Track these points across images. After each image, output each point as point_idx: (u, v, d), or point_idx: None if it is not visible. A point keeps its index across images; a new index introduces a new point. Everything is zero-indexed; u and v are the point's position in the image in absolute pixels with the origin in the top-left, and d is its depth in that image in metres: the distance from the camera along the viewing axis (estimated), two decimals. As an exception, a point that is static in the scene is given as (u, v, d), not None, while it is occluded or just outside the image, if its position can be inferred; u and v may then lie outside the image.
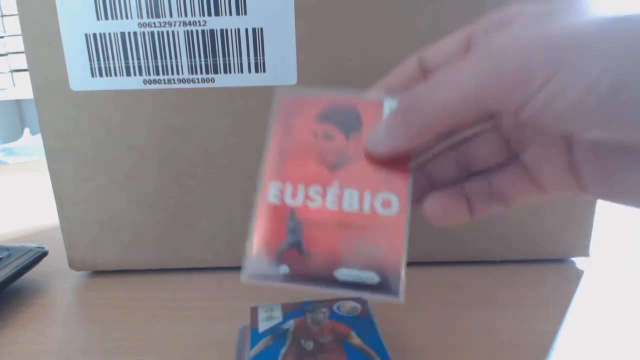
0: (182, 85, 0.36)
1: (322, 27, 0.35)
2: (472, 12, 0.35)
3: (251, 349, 0.26)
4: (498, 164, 0.26)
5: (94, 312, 0.36)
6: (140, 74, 0.36)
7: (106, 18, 0.35)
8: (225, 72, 0.36)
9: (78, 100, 0.37)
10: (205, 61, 0.36)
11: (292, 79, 0.36)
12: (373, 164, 0.25)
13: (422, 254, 0.40)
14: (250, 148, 0.38)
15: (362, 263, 0.23)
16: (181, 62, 0.36)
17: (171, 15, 0.35)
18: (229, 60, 0.36)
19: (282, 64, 0.36)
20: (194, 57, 0.35)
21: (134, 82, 0.36)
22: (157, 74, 0.36)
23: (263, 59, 0.36)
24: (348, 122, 0.26)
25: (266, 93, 0.36)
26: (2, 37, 1.72)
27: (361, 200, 0.24)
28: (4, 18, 1.71)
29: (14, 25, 1.68)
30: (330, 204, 0.24)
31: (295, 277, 0.23)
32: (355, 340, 0.26)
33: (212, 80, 0.36)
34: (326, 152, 0.25)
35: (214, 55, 0.35)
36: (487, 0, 0.35)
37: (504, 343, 0.31)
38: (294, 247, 0.24)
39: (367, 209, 0.24)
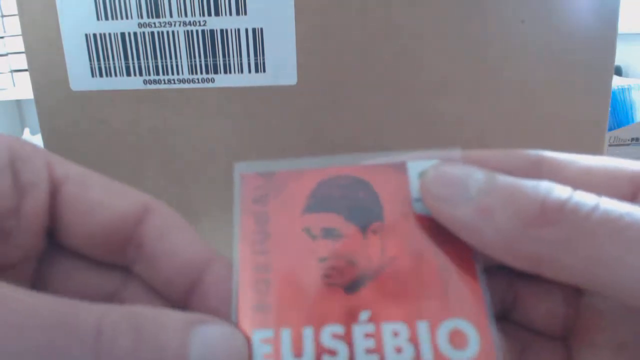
0: (182, 85, 0.36)
1: (322, 27, 0.35)
2: (473, 11, 0.35)
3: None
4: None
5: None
6: (141, 74, 0.36)
7: (106, 18, 0.35)
8: (225, 72, 0.36)
9: (78, 100, 0.37)
10: (205, 61, 0.36)
11: (292, 79, 0.36)
12: (419, 272, 0.15)
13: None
14: (251, 148, 0.38)
15: None
16: (181, 62, 0.36)
17: (171, 16, 0.35)
18: (229, 60, 0.36)
19: (282, 64, 0.36)
20: (194, 57, 0.36)
21: (134, 82, 0.36)
22: (157, 74, 0.36)
23: (263, 59, 0.36)
24: (360, 206, 0.16)
25: (266, 93, 0.36)
26: (2, 37, 1.72)
27: (414, 338, 0.14)
28: (4, 18, 1.71)
29: (14, 25, 1.68)
30: (364, 355, 0.14)
31: None
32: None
33: (212, 80, 0.36)
34: (336, 262, 0.15)
35: (214, 55, 0.35)
36: (487, 2, 0.35)
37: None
38: None
39: (429, 355, 0.14)
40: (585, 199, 0.13)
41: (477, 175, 0.15)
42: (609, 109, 0.37)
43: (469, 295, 0.14)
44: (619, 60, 0.42)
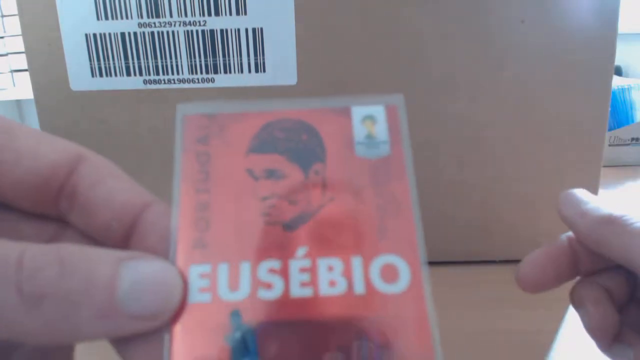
0: (182, 85, 0.36)
1: (322, 27, 0.35)
2: (473, 11, 0.35)
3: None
4: None
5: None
6: (141, 74, 0.36)
7: (106, 18, 0.35)
8: (225, 72, 0.36)
9: (78, 100, 0.37)
10: (205, 61, 0.36)
11: (292, 79, 0.36)
12: (357, 211, 0.16)
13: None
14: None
15: None
16: (181, 62, 0.36)
17: (171, 15, 0.35)
18: (229, 60, 0.36)
19: (282, 64, 0.36)
20: (194, 57, 0.35)
21: (134, 82, 0.36)
22: (157, 74, 0.36)
23: (263, 59, 0.35)
24: (303, 148, 0.17)
25: (266, 93, 0.36)
26: (2, 37, 1.72)
27: (348, 273, 0.15)
28: (4, 18, 1.71)
29: (14, 25, 1.68)
30: (298, 288, 0.15)
31: None
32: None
33: (212, 80, 0.36)
34: (277, 202, 0.16)
35: (214, 55, 0.35)
36: (487, 2, 0.35)
37: (503, 343, 0.31)
38: None
39: (361, 288, 0.15)
40: (631, 217, 0.21)
41: (583, 198, 0.24)
42: (609, 108, 0.37)
43: (403, 233, 0.15)
44: (619, 60, 0.42)
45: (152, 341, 0.15)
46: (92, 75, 0.36)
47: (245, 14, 0.35)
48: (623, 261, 0.21)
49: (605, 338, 0.23)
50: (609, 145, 0.63)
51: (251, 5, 0.35)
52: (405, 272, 0.15)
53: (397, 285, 0.15)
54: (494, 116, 0.37)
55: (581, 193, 0.24)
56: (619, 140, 0.63)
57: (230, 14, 0.35)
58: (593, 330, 0.23)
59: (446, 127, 0.37)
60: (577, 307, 0.25)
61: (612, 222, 0.21)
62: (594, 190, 0.38)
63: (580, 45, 0.35)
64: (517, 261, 0.40)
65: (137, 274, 0.15)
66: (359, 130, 0.17)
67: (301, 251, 0.15)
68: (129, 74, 0.36)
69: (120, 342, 0.16)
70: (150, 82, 0.36)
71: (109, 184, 0.18)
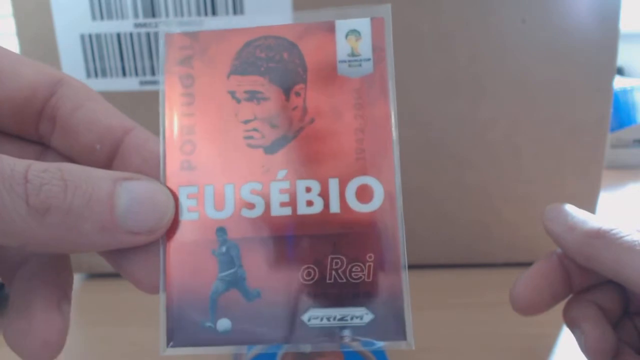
0: (178, 86, 0.36)
1: (320, 27, 0.35)
2: (473, 11, 0.34)
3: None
4: None
5: (90, 315, 0.36)
6: (137, 74, 0.36)
7: (102, 18, 0.34)
8: (222, 72, 0.35)
9: (74, 102, 0.36)
10: (202, 62, 0.35)
11: (290, 80, 0.36)
12: (336, 133, 0.16)
13: (420, 257, 0.40)
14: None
15: (341, 296, 0.15)
16: (178, 62, 0.35)
17: (167, 16, 0.34)
18: (226, 60, 0.35)
19: (279, 64, 0.35)
20: (191, 58, 0.35)
21: (130, 83, 0.36)
22: (154, 74, 0.36)
23: (260, 59, 0.35)
24: (284, 68, 0.17)
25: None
26: None
27: (325, 193, 0.16)
28: None
29: (8, 25, 1.68)
30: (278, 208, 0.16)
31: (243, 333, 0.15)
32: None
33: (209, 81, 0.36)
34: (258, 125, 0.16)
35: (211, 55, 0.35)
36: (487, 2, 0.34)
37: (504, 346, 0.31)
38: (233, 285, 0.16)
39: (336, 207, 0.16)
40: (621, 230, 0.21)
41: (570, 211, 0.23)
42: (611, 109, 0.36)
43: (380, 155, 0.16)
44: (621, 61, 0.42)
45: (147, 254, 0.17)
46: (88, 76, 0.36)
47: (243, 14, 0.34)
48: (613, 275, 0.21)
49: (604, 359, 0.22)
50: (611, 146, 0.62)
51: (248, 5, 0.34)
52: (380, 192, 0.16)
53: (371, 204, 0.16)
54: (494, 117, 0.36)
55: (567, 207, 0.24)
56: (621, 141, 0.63)
57: (227, 14, 0.34)
58: (590, 351, 0.22)
59: (446, 128, 0.37)
60: (571, 328, 0.24)
61: (601, 236, 0.21)
62: (595, 192, 0.38)
63: (582, 45, 0.35)
64: (518, 264, 0.40)
65: (134, 193, 0.16)
66: (342, 47, 0.17)
67: (281, 174, 0.16)
68: (125, 75, 0.36)
69: (117, 256, 0.17)
70: (146, 83, 0.36)
71: (90, 108, 0.18)
